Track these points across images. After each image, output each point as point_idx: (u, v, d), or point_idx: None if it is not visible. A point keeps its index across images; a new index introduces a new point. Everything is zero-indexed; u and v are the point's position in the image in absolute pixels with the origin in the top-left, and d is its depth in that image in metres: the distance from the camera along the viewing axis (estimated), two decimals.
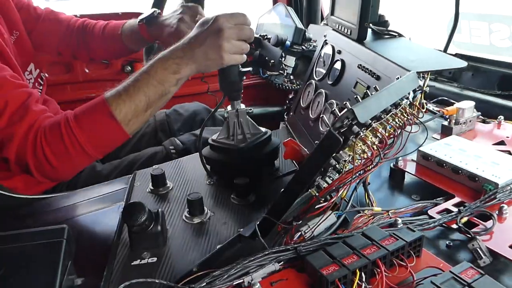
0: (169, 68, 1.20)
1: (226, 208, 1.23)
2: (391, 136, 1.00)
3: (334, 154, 0.87)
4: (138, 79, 1.21)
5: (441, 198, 1.20)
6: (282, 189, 0.91)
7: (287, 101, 2.12)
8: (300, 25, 1.97)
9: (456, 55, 2.12)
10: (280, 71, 1.96)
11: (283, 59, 1.95)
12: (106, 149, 1.25)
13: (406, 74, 1.03)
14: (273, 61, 1.94)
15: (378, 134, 0.91)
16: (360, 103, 0.83)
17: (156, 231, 1.00)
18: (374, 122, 0.89)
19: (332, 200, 0.92)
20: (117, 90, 1.21)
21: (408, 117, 1.01)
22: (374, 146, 0.87)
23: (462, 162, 1.27)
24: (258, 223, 0.96)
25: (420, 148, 1.38)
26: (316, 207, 0.92)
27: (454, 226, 1.05)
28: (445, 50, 2.19)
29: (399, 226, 1.01)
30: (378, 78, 1.22)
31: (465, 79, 2.08)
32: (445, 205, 1.15)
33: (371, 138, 0.90)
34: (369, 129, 0.88)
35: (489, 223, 1.05)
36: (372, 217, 1.08)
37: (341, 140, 0.79)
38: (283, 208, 0.92)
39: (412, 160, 1.40)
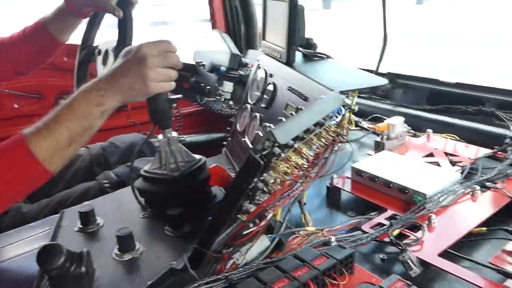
0: (93, 100, 1.15)
1: (160, 241, 1.18)
2: (320, 155, 1.02)
3: (261, 177, 0.86)
4: (59, 113, 1.15)
5: (375, 212, 1.22)
6: (210, 217, 0.89)
7: (228, 127, 2.12)
8: (235, 51, 1.99)
9: (387, 74, 2.22)
10: (217, 97, 1.96)
11: (220, 84, 1.95)
12: (28, 189, 1.17)
13: (329, 94, 1.05)
14: (209, 87, 1.94)
15: (303, 155, 0.91)
16: (279, 125, 0.83)
17: (79, 273, 0.93)
18: (298, 143, 0.89)
19: (261, 224, 0.90)
20: (37, 125, 1.14)
21: (334, 136, 1.02)
22: (297, 167, 0.87)
23: (393, 176, 1.30)
24: (189, 254, 0.93)
25: (353, 165, 1.40)
26: (245, 232, 0.89)
27: (387, 239, 1.06)
28: (377, 69, 2.29)
29: (332, 244, 1.01)
30: (306, 99, 1.24)
31: (397, 96, 2.17)
32: (377, 219, 1.17)
33: (297, 158, 0.90)
34: (292, 150, 0.87)
35: (419, 234, 1.07)
36: (307, 237, 1.07)
37: (261, 163, 0.78)
38: (212, 236, 0.89)
39: (347, 177, 1.42)
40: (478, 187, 1.25)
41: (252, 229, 0.90)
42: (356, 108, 1.44)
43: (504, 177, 1.32)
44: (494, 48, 7.36)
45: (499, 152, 1.50)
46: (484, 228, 1.11)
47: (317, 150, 0.98)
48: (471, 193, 1.24)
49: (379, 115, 1.95)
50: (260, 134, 0.82)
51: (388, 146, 1.61)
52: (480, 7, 10.83)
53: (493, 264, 0.96)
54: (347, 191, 1.36)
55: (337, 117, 1.07)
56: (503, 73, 5.91)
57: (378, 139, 1.63)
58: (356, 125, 1.84)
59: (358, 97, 2.23)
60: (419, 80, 2.13)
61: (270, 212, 0.91)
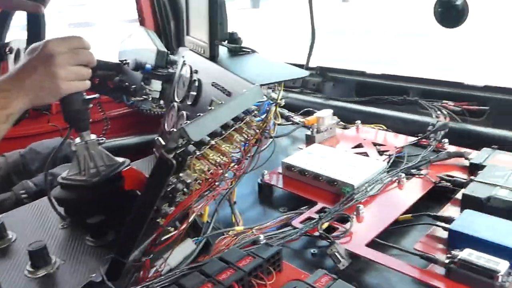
0: None
1: (80, 252, 1.09)
2: (245, 151, 0.98)
3: (178, 177, 0.81)
4: None
5: (305, 207, 1.21)
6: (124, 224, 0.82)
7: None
8: (162, 48, 1.91)
9: (317, 68, 2.24)
10: (145, 96, 1.88)
11: (147, 83, 1.87)
12: None
13: (249, 88, 1.02)
14: (134, 86, 1.85)
15: (223, 150, 0.87)
16: (193, 121, 0.78)
17: None
18: (215, 139, 0.85)
19: (181, 228, 0.85)
20: None
21: (258, 131, 0.99)
22: (216, 165, 0.83)
23: (322, 169, 1.30)
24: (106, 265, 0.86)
25: (283, 160, 1.39)
26: (165, 237, 0.84)
27: (317, 233, 1.05)
28: (307, 64, 2.30)
29: (261, 242, 0.98)
30: (229, 94, 1.20)
31: (327, 89, 2.19)
32: (308, 214, 1.16)
33: (215, 156, 0.86)
34: (209, 147, 0.83)
35: (348, 225, 1.07)
36: (235, 237, 1.03)
37: (174, 162, 0.73)
38: (128, 244, 0.82)
39: (279, 173, 1.41)
40: (403, 175, 1.27)
41: (173, 233, 0.84)
42: (282, 102, 1.43)
43: (427, 163, 1.36)
44: (414, 41, 7.87)
45: (423, 140, 1.54)
46: (410, 215, 1.13)
47: (238, 146, 0.94)
48: (397, 181, 1.27)
49: (311, 109, 1.96)
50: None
51: (318, 139, 1.61)
52: (401, 4, 11.45)
53: (418, 250, 0.98)
54: (278, 187, 1.34)
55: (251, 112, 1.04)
56: (425, 63, 6.28)
57: (309, 132, 1.63)
58: (288, 120, 1.83)
59: (290, 91, 2.25)
60: (347, 73, 2.16)
61: (192, 213, 0.86)
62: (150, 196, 0.77)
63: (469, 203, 1.07)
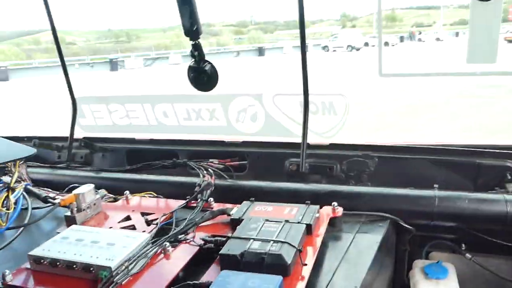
0: None
1: None
2: None
3: None
4: None
5: None
6: None
7: None
8: None
9: (82, 139, 2.07)
10: None
11: None
12: None
13: None
14: None
15: None
16: None
17: None
18: None
19: None
20: None
21: None
22: None
23: (77, 255, 1.14)
24: None
25: (30, 252, 1.17)
26: None
27: None
28: (71, 137, 2.11)
29: None
30: None
31: (97, 161, 2.05)
32: None
33: None
34: None
35: None
36: None
37: None
38: None
39: (27, 269, 1.17)
40: (168, 244, 1.22)
41: None
42: (20, 185, 1.23)
43: (193, 226, 1.34)
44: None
45: (192, 201, 1.54)
46: None
47: None
48: (163, 251, 1.20)
49: (78, 184, 1.77)
50: None
51: (80, 218, 1.44)
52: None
53: None
54: None
55: None
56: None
57: (68, 213, 1.44)
58: (46, 201, 1.59)
59: (55, 167, 2.02)
60: (117, 141, 2.08)
61: None
62: None
63: (227, 262, 1.07)
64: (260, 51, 35.53)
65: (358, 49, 32.15)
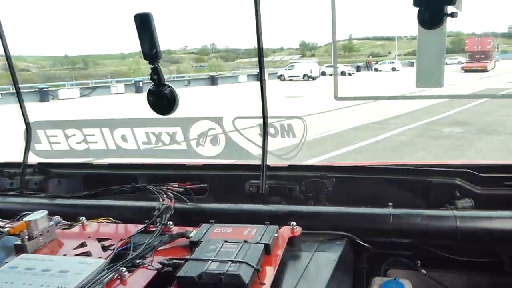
0: None
1: None
2: None
3: None
4: None
5: None
6: None
7: None
8: None
9: (37, 165, 2.01)
10: None
11: None
12: None
13: None
14: None
15: None
16: None
17: None
18: None
19: None
20: None
21: None
22: None
23: (26, 284, 1.09)
24: None
25: None
26: None
27: None
28: (24, 161, 2.04)
29: None
30: None
31: (52, 187, 1.98)
32: None
33: None
34: None
35: None
36: None
37: None
38: None
39: None
40: (124, 269, 1.18)
41: None
42: None
43: (151, 250, 1.31)
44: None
45: (151, 226, 1.51)
46: None
47: None
48: (119, 276, 1.17)
49: (30, 212, 1.70)
50: None
51: (32, 247, 1.38)
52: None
53: None
54: None
55: None
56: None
57: (19, 241, 1.38)
58: None
59: (6, 195, 1.93)
60: (73, 166, 2.02)
61: None
62: None
63: (185, 284, 1.06)
64: (213, 80, 34.97)
65: (314, 78, 32.93)
